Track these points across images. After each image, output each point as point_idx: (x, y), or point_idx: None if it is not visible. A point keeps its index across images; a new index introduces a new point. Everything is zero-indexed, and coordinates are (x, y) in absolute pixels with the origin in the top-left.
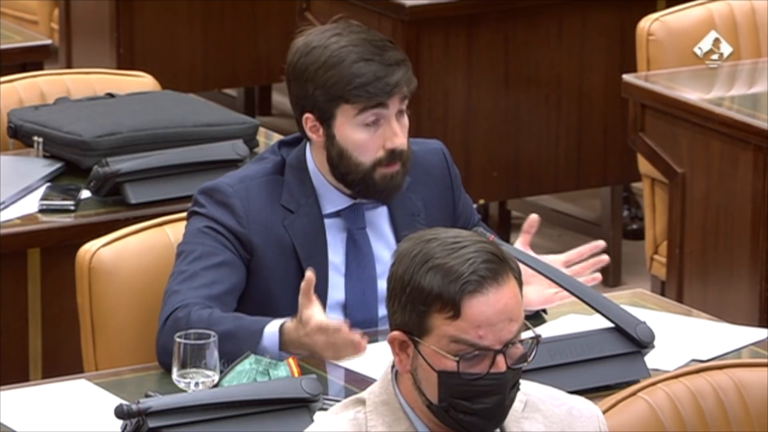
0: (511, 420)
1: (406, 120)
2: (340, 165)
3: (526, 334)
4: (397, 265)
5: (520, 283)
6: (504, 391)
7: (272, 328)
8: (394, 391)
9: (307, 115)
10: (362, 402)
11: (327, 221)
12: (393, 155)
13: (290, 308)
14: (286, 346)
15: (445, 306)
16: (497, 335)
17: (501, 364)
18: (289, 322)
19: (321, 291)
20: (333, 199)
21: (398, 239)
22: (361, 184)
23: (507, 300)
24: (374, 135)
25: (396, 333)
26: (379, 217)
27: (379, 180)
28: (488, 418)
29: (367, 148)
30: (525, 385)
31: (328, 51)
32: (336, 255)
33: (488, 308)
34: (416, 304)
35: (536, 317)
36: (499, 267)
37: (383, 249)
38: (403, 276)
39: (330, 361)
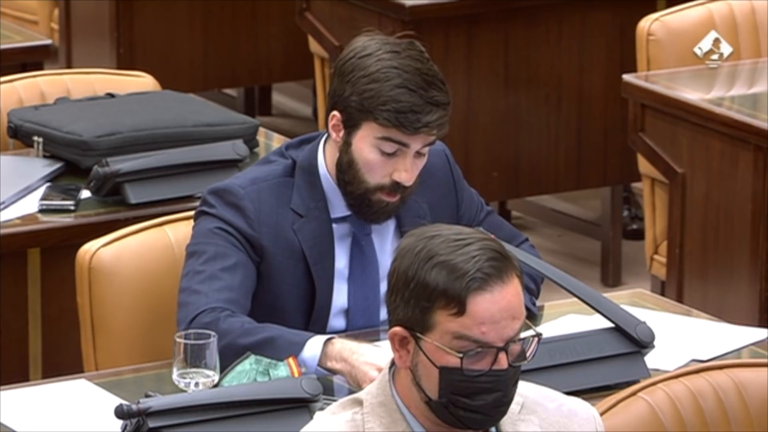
0: (507, 422)
1: (422, 161)
2: (347, 173)
3: (527, 333)
4: (399, 260)
5: (522, 281)
6: (505, 388)
7: (316, 340)
8: (391, 392)
9: (335, 112)
10: (359, 402)
11: (334, 226)
12: (396, 187)
13: (297, 311)
14: (326, 357)
15: (449, 302)
16: (500, 333)
17: (503, 361)
18: (342, 339)
19: (327, 296)
20: (341, 203)
21: None
22: (357, 199)
23: (511, 297)
24: (387, 161)
25: (397, 329)
26: (386, 222)
27: (375, 203)
28: (488, 415)
29: (376, 170)
30: (521, 386)
31: (379, 65)
32: (340, 260)
33: (493, 305)
34: (420, 300)
35: (535, 317)
36: (503, 265)
37: (387, 253)
38: (406, 271)
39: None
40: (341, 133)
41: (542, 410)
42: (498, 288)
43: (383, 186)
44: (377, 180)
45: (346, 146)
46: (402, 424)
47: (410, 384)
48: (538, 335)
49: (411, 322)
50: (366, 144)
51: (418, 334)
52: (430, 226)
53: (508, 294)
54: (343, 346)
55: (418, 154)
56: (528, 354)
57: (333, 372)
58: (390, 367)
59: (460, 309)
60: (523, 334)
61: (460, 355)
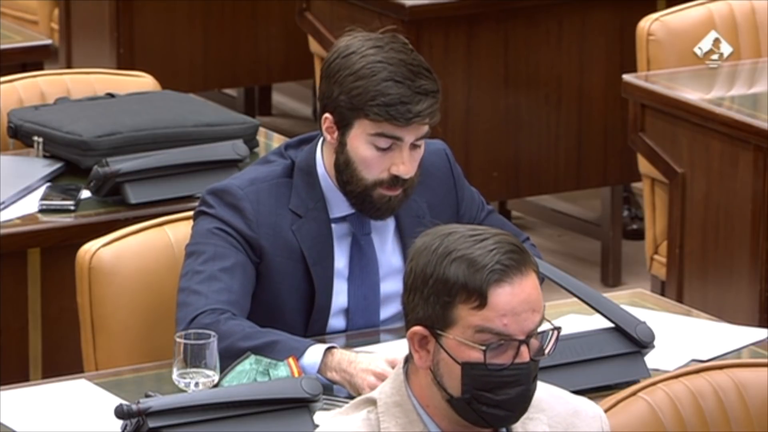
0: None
1: (419, 152)
2: (344, 173)
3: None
4: (416, 259)
5: (539, 276)
6: (527, 382)
7: (317, 349)
8: (406, 393)
9: (327, 115)
10: (373, 402)
11: (333, 226)
12: (396, 180)
13: (297, 311)
14: (325, 368)
15: (471, 296)
16: (521, 325)
17: (525, 355)
18: (341, 350)
19: (326, 296)
20: (340, 203)
21: (404, 242)
22: (359, 197)
23: (530, 290)
24: (383, 156)
25: (416, 328)
26: (385, 221)
27: (377, 199)
28: (511, 410)
29: (373, 166)
30: None
31: (363, 61)
32: (340, 260)
33: (513, 297)
34: (440, 296)
35: None
36: (521, 257)
37: (387, 253)
38: (425, 269)
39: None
40: (335, 135)
41: (550, 409)
42: (518, 280)
43: (382, 181)
44: (375, 175)
45: (341, 147)
46: (419, 425)
47: (429, 384)
48: (557, 328)
49: (431, 319)
50: (360, 142)
51: (439, 332)
52: (444, 226)
53: (528, 286)
54: (342, 356)
55: (414, 145)
56: (546, 350)
57: (332, 382)
58: (403, 368)
59: (482, 302)
60: (541, 328)
61: (483, 348)
